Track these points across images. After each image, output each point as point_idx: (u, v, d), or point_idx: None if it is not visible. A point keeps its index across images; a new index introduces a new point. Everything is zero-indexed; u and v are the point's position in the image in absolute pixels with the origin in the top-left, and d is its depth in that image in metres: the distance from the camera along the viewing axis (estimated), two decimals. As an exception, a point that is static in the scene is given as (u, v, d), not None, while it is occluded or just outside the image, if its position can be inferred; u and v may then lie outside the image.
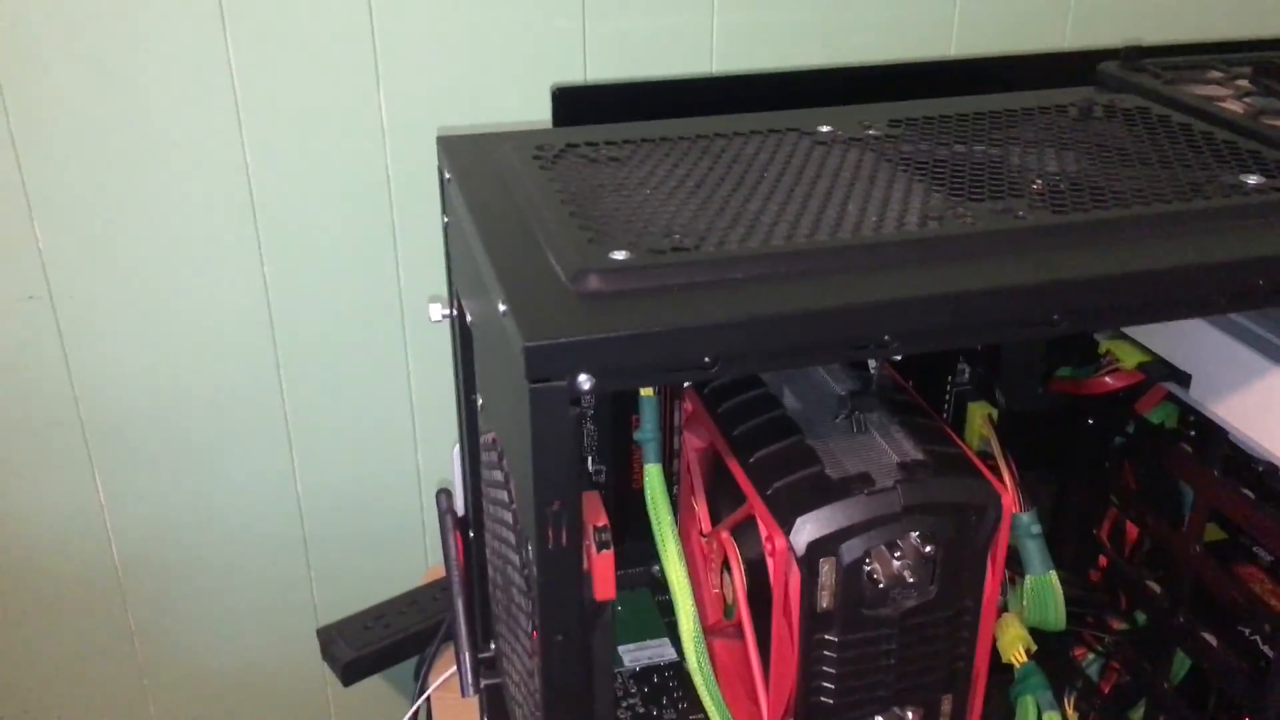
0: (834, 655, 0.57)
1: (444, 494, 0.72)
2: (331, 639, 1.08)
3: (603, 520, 0.51)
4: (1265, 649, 0.72)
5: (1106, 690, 0.85)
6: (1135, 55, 0.80)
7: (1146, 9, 1.16)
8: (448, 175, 0.63)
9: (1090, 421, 0.82)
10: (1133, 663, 0.83)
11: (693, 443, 0.68)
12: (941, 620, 0.58)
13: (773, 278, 0.50)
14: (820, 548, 0.55)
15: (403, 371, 1.09)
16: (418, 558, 1.18)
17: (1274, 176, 0.59)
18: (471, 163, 0.64)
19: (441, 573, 1.14)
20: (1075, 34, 1.16)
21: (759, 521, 0.57)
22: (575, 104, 0.96)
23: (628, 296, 0.48)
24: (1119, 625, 0.84)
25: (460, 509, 0.71)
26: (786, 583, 0.56)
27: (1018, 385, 0.79)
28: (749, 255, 0.50)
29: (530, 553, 0.49)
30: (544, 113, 1.02)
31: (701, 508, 0.67)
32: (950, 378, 0.75)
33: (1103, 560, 0.85)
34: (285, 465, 1.08)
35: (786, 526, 0.55)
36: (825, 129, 0.68)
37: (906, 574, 0.56)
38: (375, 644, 1.05)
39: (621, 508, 0.75)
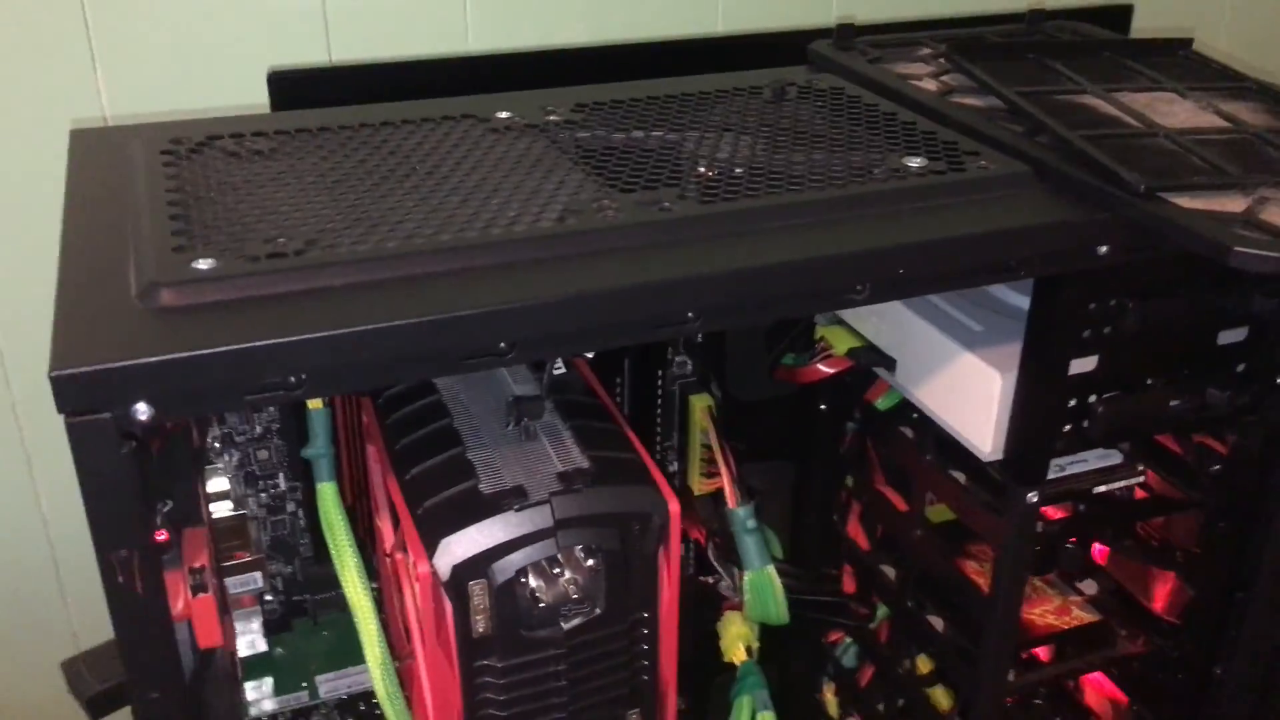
0: (498, 681, 0.53)
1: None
2: (77, 671, 1.00)
3: (201, 560, 0.46)
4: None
5: (864, 682, 0.84)
6: (848, 33, 0.78)
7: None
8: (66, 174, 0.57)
9: (823, 408, 0.81)
10: (877, 651, 0.82)
11: (375, 455, 0.63)
12: (614, 636, 0.55)
13: (373, 286, 0.45)
14: (468, 570, 0.51)
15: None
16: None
17: (938, 158, 0.57)
18: (93, 159, 0.57)
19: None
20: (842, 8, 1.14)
21: (407, 544, 0.52)
22: (296, 90, 0.89)
23: (201, 311, 0.43)
24: (865, 613, 0.83)
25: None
26: (436, 609, 0.52)
27: (742, 375, 0.77)
28: (353, 260, 0.46)
29: (116, 601, 0.44)
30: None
31: (385, 525, 0.62)
32: (662, 370, 0.73)
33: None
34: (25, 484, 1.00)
35: (431, 549, 0.51)
36: (504, 115, 0.64)
37: (571, 590, 0.53)
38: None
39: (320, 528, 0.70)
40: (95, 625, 1.06)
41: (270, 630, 0.72)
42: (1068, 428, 0.62)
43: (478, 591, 0.51)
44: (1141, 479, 0.69)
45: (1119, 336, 0.60)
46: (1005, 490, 0.63)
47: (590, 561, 0.53)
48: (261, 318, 0.43)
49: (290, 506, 0.71)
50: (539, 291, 0.45)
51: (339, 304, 0.44)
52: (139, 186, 0.53)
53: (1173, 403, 0.64)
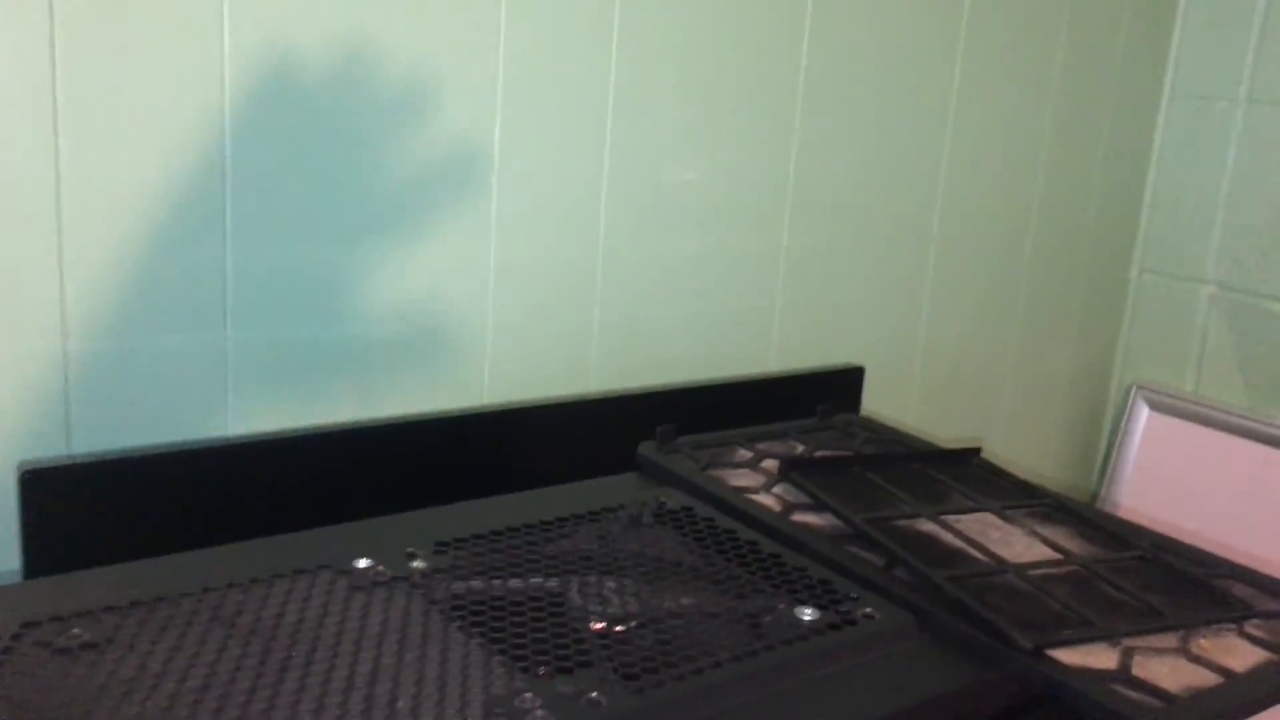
0: None
1: None
2: None
3: None
4: None
5: None
6: (670, 435, 0.80)
7: (660, 356, 1.22)
8: None
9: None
10: None
11: None
12: None
13: None
14: None
15: None
16: None
17: (823, 607, 0.58)
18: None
19: None
20: (600, 378, 1.18)
21: None
22: (53, 491, 0.79)
23: None
24: None
25: None
26: None
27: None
28: (276, 824, 0.39)
29: None
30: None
31: None
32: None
33: None
34: None
35: None
36: (363, 564, 0.59)
37: None
38: None
39: None
40: None
41: None
42: None
43: None
44: None
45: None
46: None
47: None
48: None
49: None
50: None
51: None
52: (-43, 721, 0.43)
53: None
